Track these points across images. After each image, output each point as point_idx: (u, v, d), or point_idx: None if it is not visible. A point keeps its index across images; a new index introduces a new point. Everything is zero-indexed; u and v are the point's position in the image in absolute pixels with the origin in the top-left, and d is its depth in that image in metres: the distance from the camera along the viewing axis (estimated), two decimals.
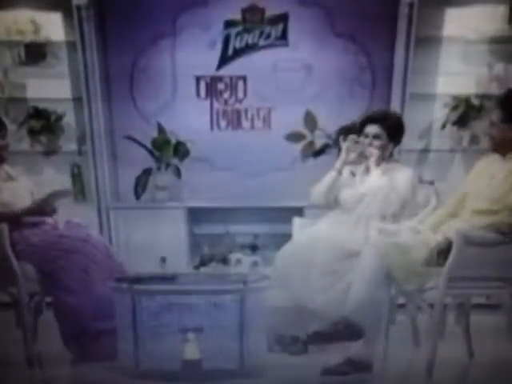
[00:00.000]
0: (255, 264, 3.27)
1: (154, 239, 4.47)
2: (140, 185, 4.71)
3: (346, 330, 2.94)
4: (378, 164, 3.50)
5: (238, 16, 4.84)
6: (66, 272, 3.16)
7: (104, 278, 3.17)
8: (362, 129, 3.56)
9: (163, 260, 3.50)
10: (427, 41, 4.48)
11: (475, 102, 4.44)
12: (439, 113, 4.56)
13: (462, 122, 4.46)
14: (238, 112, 4.95)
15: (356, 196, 3.50)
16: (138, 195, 4.74)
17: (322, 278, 3.21)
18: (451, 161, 4.59)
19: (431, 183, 4.06)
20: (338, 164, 3.55)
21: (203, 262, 3.32)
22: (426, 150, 4.58)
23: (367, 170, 3.59)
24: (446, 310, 2.97)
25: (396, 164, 3.57)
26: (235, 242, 4.67)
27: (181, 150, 4.76)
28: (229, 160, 4.91)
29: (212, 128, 4.96)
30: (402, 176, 3.46)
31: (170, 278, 3.08)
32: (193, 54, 4.87)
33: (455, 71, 4.50)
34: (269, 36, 4.87)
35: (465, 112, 4.44)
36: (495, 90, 4.43)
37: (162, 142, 4.74)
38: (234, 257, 3.40)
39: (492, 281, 2.97)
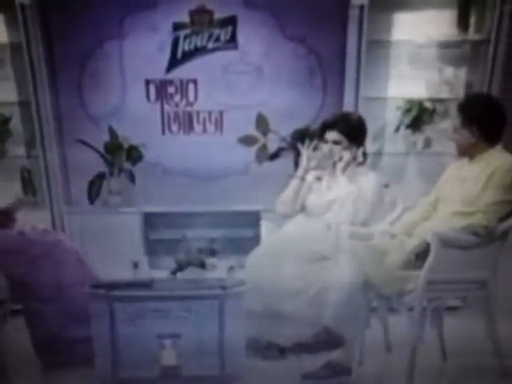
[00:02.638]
0: (231, 269, 3.18)
1: (109, 244, 4.33)
2: (93, 189, 4.55)
3: (327, 340, 2.92)
4: (343, 169, 3.46)
5: (186, 18, 4.74)
6: (37, 278, 3.04)
7: (76, 284, 3.08)
8: (322, 134, 3.53)
9: (135, 265, 3.38)
10: (378, 44, 4.47)
11: (428, 105, 4.47)
12: (392, 116, 4.56)
13: (415, 125, 4.47)
14: (190, 115, 4.85)
15: (324, 203, 3.48)
16: (91, 200, 4.58)
17: (294, 282, 3.16)
18: (404, 164, 4.61)
19: (386, 186, 4.06)
20: (300, 172, 3.52)
21: (180, 267, 3.22)
22: (379, 153, 4.58)
23: (333, 176, 3.55)
24: (424, 314, 2.95)
25: (361, 168, 3.53)
26: (192, 246, 4.57)
27: (134, 155, 4.62)
28: (182, 164, 4.81)
29: (163, 132, 4.84)
30: (368, 181, 3.44)
31: (147, 284, 3.00)
32: (141, 56, 4.75)
33: (407, 75, 4.52)
34: (218, 39, 4.79)
35: (418, 115, 4.45)
36: (446, 93, 4.49)
37: (115, 146, 4.58)
38: (209, 262, 3.30)
39: (469, 283, 2.99)
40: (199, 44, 4.76)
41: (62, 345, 3.07)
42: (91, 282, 2.98)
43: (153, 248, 4.57)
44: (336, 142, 3.47)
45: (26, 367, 3.10)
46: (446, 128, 4.57)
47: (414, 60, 4.54)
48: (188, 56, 4.77)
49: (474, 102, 3.15)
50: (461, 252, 2.90)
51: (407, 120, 4.48)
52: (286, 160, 4.68)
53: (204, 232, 4.68)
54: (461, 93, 4.51)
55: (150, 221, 4.68)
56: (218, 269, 3.23)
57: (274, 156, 4.70)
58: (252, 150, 4.81)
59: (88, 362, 2.91)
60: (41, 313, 3.06)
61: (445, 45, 4.49)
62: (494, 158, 3.04)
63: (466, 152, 3.13)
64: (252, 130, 4.78)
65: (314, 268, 3.17)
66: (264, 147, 4.80)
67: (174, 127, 4.85)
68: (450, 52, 4.51)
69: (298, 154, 4.47)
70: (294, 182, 3.54)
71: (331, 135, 3.47)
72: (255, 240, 4.46)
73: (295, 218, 3.55)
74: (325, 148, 3.49)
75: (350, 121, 3.50)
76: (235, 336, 2.93)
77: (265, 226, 3.60)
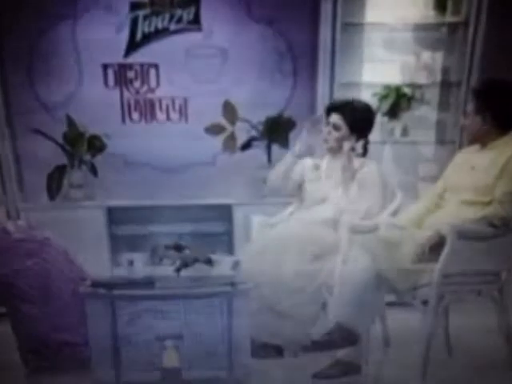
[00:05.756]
0: (236, 264, 3.05)
1: (71, 242, 4.07)
2: (53, 183, 4.24)
3: (341, 338, 2.81)
4: (346, 158, 3.31)
5: None
6: (24, 279, 2.86)
7: (66, 284, 2.92)
8: (327, 116, 3.43)
9: (130, 263, 3.19)
10: (351, 28, 4.34)
11: (406, 91, 4.36)
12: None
13: (392, 112, 4.37)
14: (152, 102, 4.60)
15: (322, 193, 3.37)
16: (51, 195, 4.25)
17: (293, 280, 3.08)
18: (381, 153, 4.50)
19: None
20: (297, 147, 3.41)
21: (185, 264, 3.06)
22: None
23: (332, 165, 3.44)
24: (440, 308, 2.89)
25: (361, 159, 3.41)
26: (159, 242, 4.40)
27: (96, 145, 4.34)
28: (145, 155, 4.56)
29: (124, 120, 4.58)
30: (370, 172, 3.32)
31: (149, 282, 2.83)
32: (97, 39, 4.44)
33: (382, 60, 4.41)
34: (180, 20, 4.55)
35: (395, 102, 4.35)
36: (423, 79, 4.39)
37: (75, 135, 4.29)
38: (214, 258, 3.18)
39: (484, 276, 2.92)
40: (160, 25, 4.51)
41: (50, 348, 2.91)
42: (88, 281, 2.81)
43: (118, 244, 4.36)
44: (336, 127, 3.36)
45: (8, 372, 2.92)
46: (423, 115, 4.56)
47: (390, 44, 4.43)
48: (148, 38, 4.51)
49: (491, 87, 3.04)
50: (477, 244, 2.81)
51: (384, 107, 4.37)
52: (260, 150, 4.53)
53: (172, 227, 4.52)
54: (438, 78, 4.45)
55: (115, 216, 4.45)
56: (222, 265, 3.07)
57: (245, 146, 4.49)
58: (219, 140, 4.59)
59: (78, 365, 2.82)
60: (28, 315, 2.90)
61: (421, 28, 4.39)
62: (508, 146, 2.96)
63: (478, 139, 3.05)
64: (219, 118, 4.56)
65: (315, 266, 3.09)
66: (232, 136, 4.59)
67: (135, 115, 4.59)
68: (426, 35, 4.42)
69: (270, 144, 4.43)
70: (288, 156, 3.44)
71: (333, 118, 3.37)
72: (226, 235, 4.40)
73: (295, 213, 3.45)
74: (325, 129, 3.37)
75: (357, 108, 3.39)
76: (243, 336, 2.79)
77: (256, 221, 3.46)
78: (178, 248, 4.48)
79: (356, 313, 2.80)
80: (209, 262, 3.15)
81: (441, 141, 4.57)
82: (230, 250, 4.19)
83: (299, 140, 3.40)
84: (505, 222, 2.85)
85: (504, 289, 2.92)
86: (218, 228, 4.40)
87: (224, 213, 4.36)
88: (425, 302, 2.84)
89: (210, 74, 4.60)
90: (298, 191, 3.49)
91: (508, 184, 2.89)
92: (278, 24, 4.60)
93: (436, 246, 2.84)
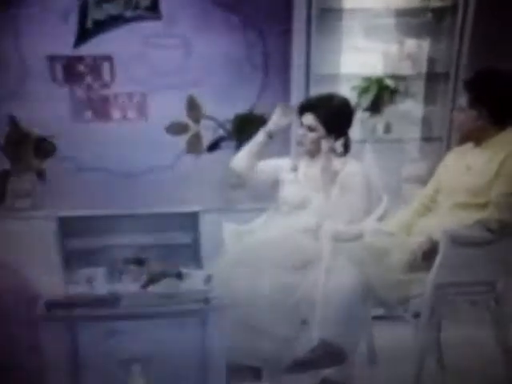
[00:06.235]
0: (209, 278, 3.09)
1: (19, 257, 4.07)
2: None
3: (326, 356, 2.88)
4: (325, 160, 3.38)
5: None
6: None
7: (16, 306, 2.91)
8: (300, 115, 3.51)
9: (90, 279, 3.21)
10: (329, 14, 4.41)
11: (389, 83, 4.45)
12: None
13: (374, 107, 4.46)
14: (106, 99, 4.60)
15: (301, 197, 3.43)
16: None
17: (271, 295, 3.12)
18: (362, 152, 4.54)
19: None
20: (269, 126, 3.55)
21: (153, 279, 3.09)
22: None
23: (310, 166, 3.51)
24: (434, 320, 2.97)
25: (342, 159, 3.49)
26: (116, 255, 4.42)
27: (43, 148, 4.34)
28: (99, 159, 4.58)
29: (75, 119, 4.57)
30: (353, 173, 3.39)
31: (113, 300, 2.86)
32: (42, 27, 4.42)
33: (362, 49, 4.49)
34: (137, 6, 4.55)
35: (377, 95, 4.43)
36: (408, 70, 4.49)
37: (19, 137, 4.28)
38: (185, 271, 3.22)
39: (480, 285, 3.02)
40: (114, 12, 4.52)
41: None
42: (42, 301, 2.82)
43: (72, 259, 4.35)
44: (311, 129, 3.42)
45: None
46: (408, 110, 4.65)
47: (371, 31, 4.51)
48: (100, 27, 4.51)
49: (486, 78, 3.11)
50: (472, 250, 2.90)
51: (365, 101, 4.45)
52: (231, 151, 4.50)
53: (132, 238, 4.53)
54: (424, 68, 4.55)
55: (67, 227, 4.43)
56: (193, 279, 3.11)
57: (212, 147, 4.57)
58: (183, 140, 4.66)
59: None
60: None
61: (405, 13, 4.48)
62: (506, 143, 3.05)
63: (472, 136, 3.14)
64: (182, 116, 4.63)
65: (295, 277, 3.14)
66: (197, 136, 4.65)
67: (88, 114, 4.59)
68: (411, 22, 4.52)
69: (240, 144, 4.44)
70: (259, 136, 3.54)
71: (306, 119, 3.44)
72: (193, 246, 4.40)
73: (271, 220, 3.50)
74: (299, 131, 3.45)
75: (331, 106, 3.46)
76: (218, 357, 2.84)
77: (228, 230, 3.53)
78: (139, 262, 4.50)
79: (342, 329, 2.87)
80: (179, 276, 3.20)
81: (427, 138, 4.68)
82: (198, 262, 4.19)
83: (271, 120, 3.54)
84: (502, 225, 2.94)
85: (501, 299, 3.02)
86: (183, 238, 4.38)
87: (190, 221, 4.33)
88: (416, 315, 2.92)
89: (171, 66, 4.62)
90: (271, 190, 3.58)
91: (505, 185, 2.98)
92: (247, 11, 4.64)
93: (428, 254, 2.93)
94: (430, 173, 3.93)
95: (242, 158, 3.60)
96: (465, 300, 3.07)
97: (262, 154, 3.56)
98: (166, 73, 4.61)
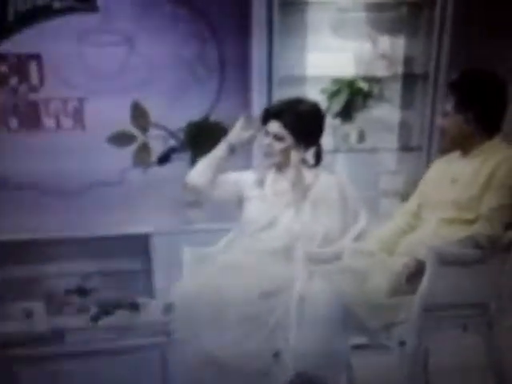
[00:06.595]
0: (169, 308, 3.29)
1: None
2: None
3: None
4: (295, 173, 3.59)
5: None
6: None
7: None
8: (265, 123, 3.70)
9: (29, 314, 3.35)
10: (292, 7, 4.64)
11: (362, 85, 4.72)
12: None
13: (346, 112, 4.73)
14: (35, 105, 4.73)
15: (269, 215, 3.65)
16: None
17: (238, 326, 3.31)
18: (333, 164, 4.80)
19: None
20: (231, 136, 3.73)
21: (105, 311, 3.26)
22: None
23: (279, 180, 3.73)
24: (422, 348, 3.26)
25: (314, 171, 3.72)
26: (57, 285, 4.53)
27: None
28: (31, 175, 4.72)
29: None
30: (326, 186, 3.64)
31: (57, 337, 2.96)
32: None
33: (331, 47, 4.76)
34: None
35: (349, 100, 4.70)
36: (382, 70, 4.79)
37: None
38: (142, 301, 3.39)
39: (471, 307, 3.30)
40: (39, 2, 4.60)
41: None
42: None
43: (4, 291, 4.43)
44: (277, 138, 3.64)
45: None
46: (384, 116, 4.95)
47: (340, 27, 4.79)
48: (25, 20, 4.60)
49: (473, 78, 3.36)
50: (461, 270, 3.17)
51: (335, 106, 4.72)
52: (179, 165, 4.74)
53: (73, 266, 4.65)
54: (400, 69, 4.86)
55: None
56: (151, 309, 3.30)
57: (163, 159, 4.76)
58: (129, 152, 4.83)
59: None
60: None
61: (378, 7, 4.76)
62: (495, 152, 3.32)
63: (458, 144, 3.40)
64: (126, 125, 4.79)
65: (264, 306, 3.35)
66: (145, 148, 4.85)
67: (14, 123, 4.71)
68: (384, 16, 4.81)
69: (194, 156, 4.60)
70: (219, 149, 3.71)
71: (272, 127, 3.64)
72: (144, 273, 4.61)
73: (235, 241, 3.72)
74: (265, 141, 3.66)
75: (300, 111, 3.65)
76: None
77: (187, 254, 3.69)
78: (83, 292, 4.67)
79: (319, 360, 3.12)
80: (134, 306, 3.37)
81: (405, 147, 4.99)
82: (150, 291, 4.39)
83: (232, 133, 3.73)
84: (493, 242, 3.21)
85: (494, 323, 3.30)
86: (132, 264, 4.62)
87: (140, 245, 4.57)
88: (402, 343, 3.17)
89: (111, 67, 4.78)
90: (235, 208, 3.78)
91: (495, 197, 3.25)
92: (197, 3, 4.83)
93: (413, 275, 3.19)
94: (410, 186, 4.23)
95: (199, 173, 3.74)
96: (454, 325, 3.29)
97: (222, 168, 3.74)
98: (105, 75, 4.76)
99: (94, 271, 4.59)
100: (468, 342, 3.48)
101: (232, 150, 3.72)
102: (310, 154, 3.76)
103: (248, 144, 3.87)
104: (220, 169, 3.72)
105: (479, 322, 3.33)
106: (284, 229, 3.60)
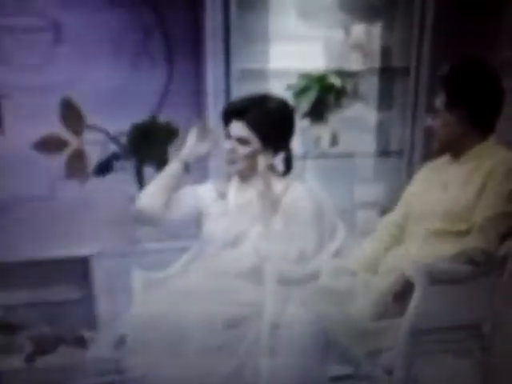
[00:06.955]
0: (121, 342, 3.42)
1: None
2: None
3: None
4: (263, 182, 3.70)
5: None
6: None
7: None
8: (226, 124, 3.83)
9: None
10: None
11: (333, 81, 4.87)
12: None
13: (316, 112, 4.90)
14: None
15: (233, 232, 3.81)
16: None
17: (199, 359, 3.46)
18: (303, 171, 4.96)
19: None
20: (183, 153, 3.86)
21: (43, 349, 3.35)
22: None
23: (243, 191, 3.90)
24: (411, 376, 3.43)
25: (284, 180, 3.87)
26: None
27: None
28: None
29: None
30: (297, 197, 3.80)
31: None
32: None
33: (298, 36, 4.88)
34: None
35: (319, 97, 4.86)
36: (358, 64, 4.96)
37: None
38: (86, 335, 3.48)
39: (464, 329, 3.51)
40: None
41: None
42: None
43: None
44: (241, 141, 3.78)
45: None
46: (359, 116, 5.14)
47: (307, 13, 4.94)
48: None
49: (466, 70, 3.52)
50: (453, 288, 3.36)
51: (304, 105, 4.88)
52: (122, 174, 4.84)
53: None
54: (377, 62, 5.03)
55: None
56: (100, 344, 3.40)
57: (102, 168, 4.82)
58: (60, 160, 4.89)
59: None
60: None
61: None
62: (489, 155, 3.50)
63: (450, 146, 3.58)
64: (56, 127, 4.83)
65: (231, 335, 3.51)
66: (80, 154, 4.93)
67: None
68: (357, 2, 4.98)
69: (140, 164, 4.75)
70: (172, 167, 3.84)
71: (235, 128, 3.77)
72: (84, 302, 4.65)
73: (193, 263, 3.87)
74: (226, 146, 3.79)
75: (266, 110, 3.79)
76: None
77: (138, 278, 3.81)
78: (8, 328, 4.74)
79: None
80: (80, 341, 3.45)
81: (383, 151, 5.19)
82: (91, 323, 4.39)
83: (185, 147, 3.86)
84: (488, 256, 3.39)
85: (488, 347, 3.51)
86: (69, 293, 4.67)
87: (77, 269, 4.65)
88: (389, 371, 3.34)
89: (36, 58, 4.84)
90: (193, 224, 3.90)
91: (490, 206, 3.43)
92: None
93: (400, 295, 3.37)
94: (390, 195, 4.45)
95: (150, 197, 3.85)
96: (446, 349, 3.49)
97: (176, 187, 3.87)
98: (27, 68, 4.82)
99: (22, 302, 4.63)
100: (461, 368, 3.63)
101: (186, 167, 3.85)
102: (278, 160, 3.90)
103: (205, 159, 4.01)
104: (174, 188, 3.84)
105: (472, 346, 3.53)
106: (251, 247, 3.75)
